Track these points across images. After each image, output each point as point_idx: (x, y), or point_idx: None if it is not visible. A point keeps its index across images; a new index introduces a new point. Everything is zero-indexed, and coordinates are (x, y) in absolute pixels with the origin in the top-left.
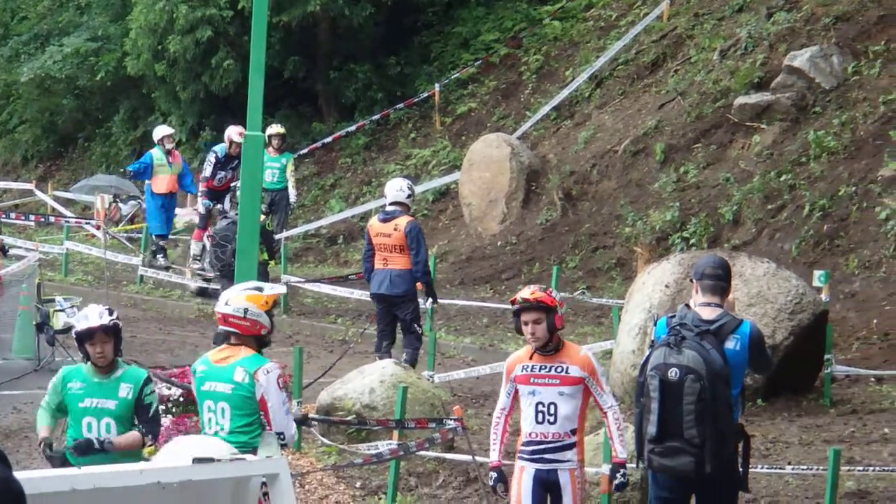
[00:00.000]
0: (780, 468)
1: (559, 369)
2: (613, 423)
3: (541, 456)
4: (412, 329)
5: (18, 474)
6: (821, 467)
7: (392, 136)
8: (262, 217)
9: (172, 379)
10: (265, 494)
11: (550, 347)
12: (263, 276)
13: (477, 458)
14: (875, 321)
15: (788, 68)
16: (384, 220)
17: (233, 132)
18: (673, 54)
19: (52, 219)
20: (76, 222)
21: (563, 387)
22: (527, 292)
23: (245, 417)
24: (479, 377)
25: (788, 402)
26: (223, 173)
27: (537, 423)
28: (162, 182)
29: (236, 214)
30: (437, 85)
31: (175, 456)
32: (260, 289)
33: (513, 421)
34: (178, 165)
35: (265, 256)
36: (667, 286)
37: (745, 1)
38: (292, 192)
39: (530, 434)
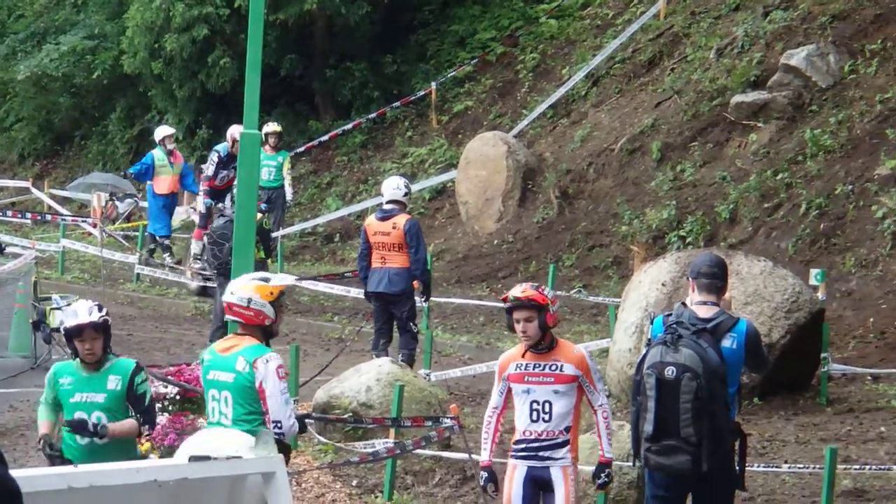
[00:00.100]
0: (776, 467)
1: (554, 367)
2: (603, 421)
3: (534, 454)
4: (408, 328)
5: (15, 472)
6: (817, 466)
7: (388, 134)
8: (259, 215)
9: (169, 377)
10: None
11: (543, 346)
12: None
13: (473, 456)
14: (871, 320)
15: (785, 67)
16: (382, 219)
17: (235, 131)
18: (669, 53)
19: (48, 217)
20: (73, 220)
21: (558, 385)
22: (518, 290)
23: (247, 406)
24: (475, 375)
25: (785, 401)
26: (225, 172)
27: (532, 421)
28: (164, 182)
29: (233, 212)
30: (433, 83)
31: (198, 448)
32: (266, 279)
33: (507, 420)
34: (179, 165)
35: (262, 254)
36: (663, 284)
37: None
38: (289, 191)
39: (524, 432)
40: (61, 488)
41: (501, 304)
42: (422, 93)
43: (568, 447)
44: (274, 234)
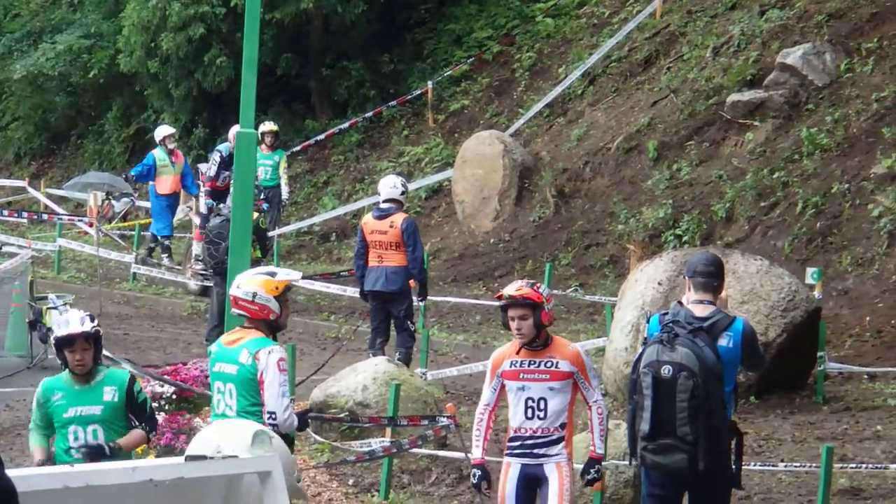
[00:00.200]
0: (772, 465)
1: (549, 364)
2: (596, 417)
3: (529, 451)
4: (405, 326)
5: (11, 472)
6: (814, 464)
7: (385, 133)
8: (256, 214)
9: (165, 377)
10: None
11: (538, 343)
12: None
13: (470, 455)
14: (868, 318)
15: (781, 66)
16: (379, 218)
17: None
18: (666, 52)
19: (44, 216)
20: (69, 220)
21: (553, 382)
22: (513, 288)
23: (250, 398)
24: (471, 374)
25: (781, 400)
26: (227, 173)
27: (526, 418)
28: (166, 182)
29: (229, 212)
30: (429, 82)
31: (201, 444)
32: (272, 274)
33: (499, 418)
34: (180, 165)
35: (258, 253)
36: (659, 283)
37: None
38: (284, 189)
39: (518, 429)
40: (57, 488)
41: (497, 303)
42: (418, 92)
43: (563, 444)
44: (270, 234)
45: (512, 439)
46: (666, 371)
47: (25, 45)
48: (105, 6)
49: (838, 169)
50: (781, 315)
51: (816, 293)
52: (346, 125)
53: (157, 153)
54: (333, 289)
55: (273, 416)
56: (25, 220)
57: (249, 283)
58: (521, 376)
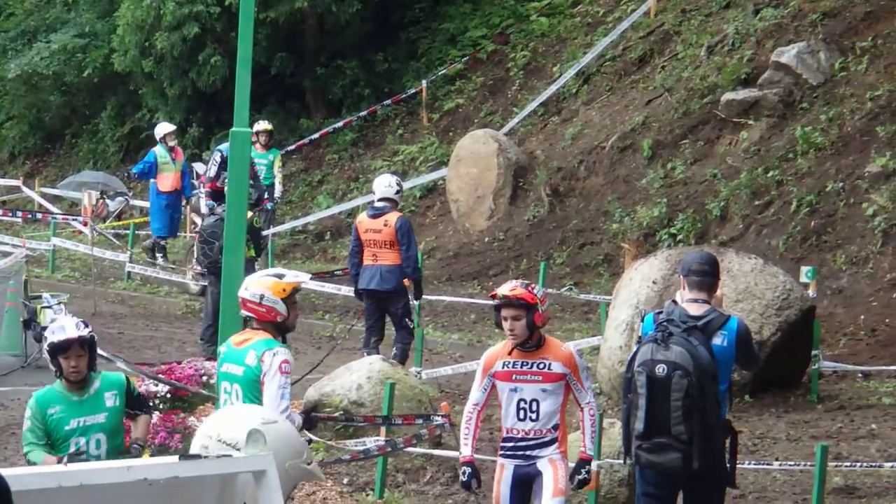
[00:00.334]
0: (767, 464)
1: (541, 365)
2: (588, 419)
3: (522, 453)
4: (404, 324)
5: (4, 471)
6: (808, 463)
7: (379, 132)
8: (249, 213)
9: (160, 376)
10: None
11: (531, 344)
12: (251, 272)
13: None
14: (862, 317)
15: (775, 64)
16: (373, 216)
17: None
18: (660, 50)
19: (39, 215)
20: (63, 219)
21: (546, 383)
22: (506, 288)
23: (256, 399)
24: (466, 373)
25: (776, 398)
26: (227, 173)
27: (519, 419)
28: (167, 180)
29: (223, 211)
30: (424, 81)
31: (204, 432)
32: (280, 276)
33: (496, 417)
34: (180, 162)
35: (252, 252)
36: (654, 282)
37: None
38: (278, 188)
39: (511, 430)
40: (51, 487)
41: (492, 302)
42: (413, 91)
43: (555, 445)
44: (265, 233)
45: (505, 440)
46: (660, 370)
47: (20, 44)
48: (99, 5)
49: (833, 168)
50: (776, 314)
51: (811, 292)
52: (340, 124)
53: (158, 150)
54: (328, 288)
55: None
56: (20, 220)
57: (257, 285)
58: (513, 377)
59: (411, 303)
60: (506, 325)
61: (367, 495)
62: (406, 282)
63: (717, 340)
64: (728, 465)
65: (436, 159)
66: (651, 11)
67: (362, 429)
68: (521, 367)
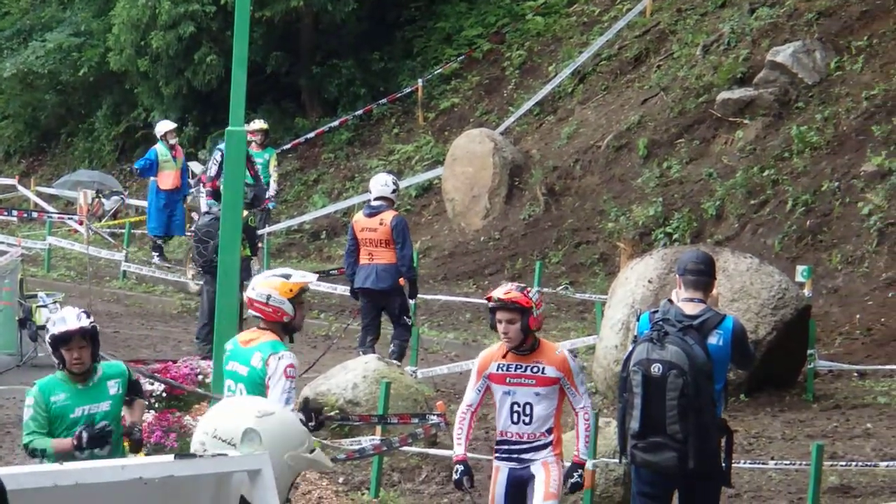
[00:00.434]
0: (762, 463)
1: (535, 369)
2: (582, 423)
3: (516, 456)
4: (402, 321)
5: (0, 470)
6: (804, 462)
7: (375, 131)
8: (245, 212)
9: (155, 374)
10: None
11: (525, 347)
12: (246, 271)
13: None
14: (858, 316)
15: (771, 63)
16: (369, 215)
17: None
18: (656, 50)
19: (34, 214)
20: (59, 218)
21: (539, 387)
22: (501, 291)
23: None
24: (461, 372)
25: (771, 398)
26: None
27: (512, 423)
28: (168, 178)
29: (218, 210)
30: (419, 80)
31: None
32: (287, 276)
33: (491, 416)
34: (181, 160)
35: (247, 251)
36: (650, 281)
37: None
38: (273, 187)
39: (504, 433)
40: (47, 486)
41: (487, 302)
42: (408, 90)
43: (549, 448)
44: (260, 232)
45: (499, 443)
46: (656, 369)
47: (15, 43)
48: (95, 4)
49: (828, 167)
50: (771, 313)
51: (806, 291)
52: (336, 123)
53: (159, 148)
54: (323, 287)
55: None
56: (15, 219)
57: (264, 286)
58: (507, 380)
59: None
60: (500, 327)
61: (363, 494)
62: (401, 281)
63: (713, 340)
64: (723, 465)
65: (431, 158)
66: (647, 11)
67: (358, 428)
68: (515, 371)
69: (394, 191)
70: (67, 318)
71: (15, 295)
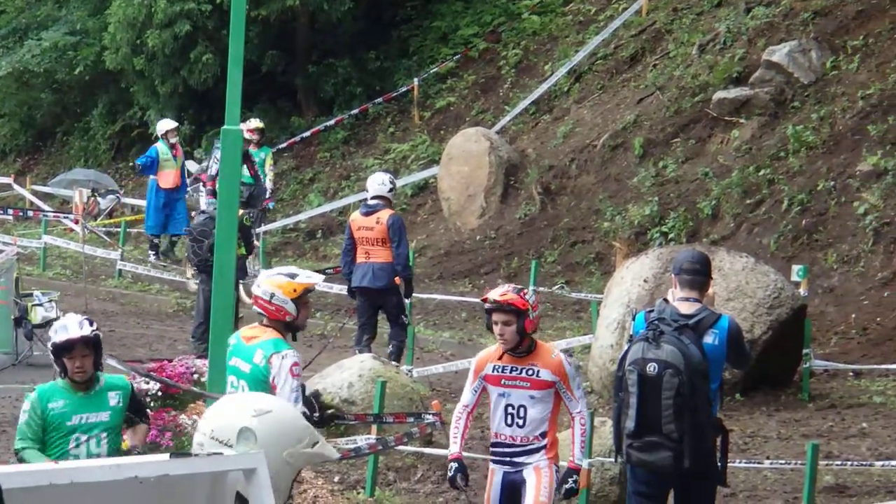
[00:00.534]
0: (758, 462)
1: (530, 372)
2: (578, 428)
3: (509, 459)
4: (399, 320)
5: None
6: (799, 462)
7: (371, 130)
8: (241, 211)
9: (151, 373)
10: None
11: (522, 349)
12: (241, 270)
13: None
14: (853, 316)
15: (767, 63)
16: (366, 214)
17: (242, 128)
18: (652, 49)
19: (30, 213)
20: (54, 216)
21: (534, 390)
22: (497, 293)
23: None
24: (457, 371)
25: (767, 397)
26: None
27: (506, 425)
28: (168, 176)
29: (214, 209)
30: (415, 79)
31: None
32: (293, 276)
33: (486, 415)
34: (181, 159)
35: (242, 250)
36: (645, 281)
37: None
38: (268, 185)
39: (499, 435)
40: (42, 485)
41: (483, 303)
42: (404, 89)
43: (542, 452)
44: (260, 229)
45: (493, 444)
46: (651, 368)
47: (11, 41)
48: (91, 3)
49: (824, 166)
50: (767, 312)
51: (802, 290)
52: (332, 122)
53: (160, 147)
54: (319, 286)
55: None
56: (11, 217)
57: (268, 284)
58: (502, 382)
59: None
60: (496, 329)
61: (358, 493)
62: (397, 280)
63: (709, 339)
64: (719, 464)
65: (427, 157)
66: (643, 10)
67: (353, 427)
68: (511, 373)
69: (391, 190)
70: (69, 327)
71: (10, 294)
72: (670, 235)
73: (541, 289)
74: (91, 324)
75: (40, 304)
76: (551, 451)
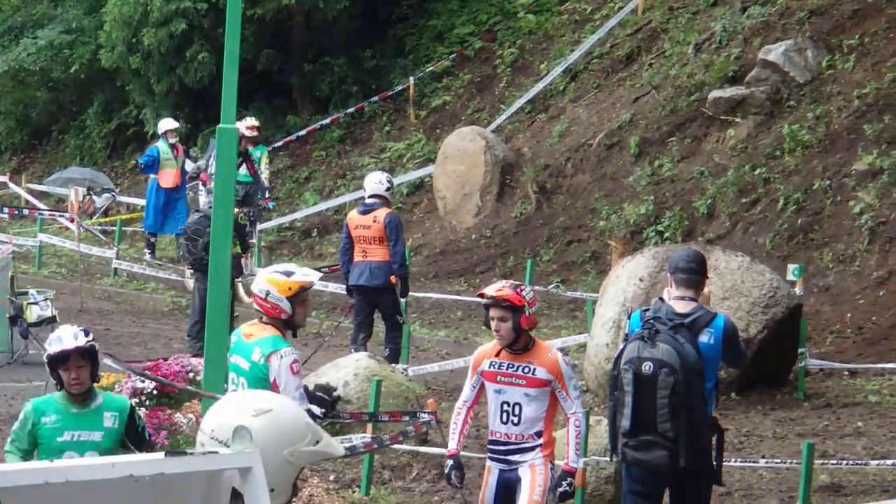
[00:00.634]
0: (753, 462)
1: (526, 370)
2: (573, 429)
3: (504, 457)
4: (394, 320)
5: None
6: (794, 461)
7: (366, 129)
8: (236, 210)
9: (146, 372)
10: None
11: (518, 346)
12: (236, 268)
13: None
14: (849, 315)
15: (763, 62)
16: (363, 213)
17: (241, 126)
18: (647, 48)
19: (25, 211)
20: (50, 215)
21: (529, 388)
22: (493, 288)
23: None
24: (453, 370)
25: (762, 396)
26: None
27: (501, 422)
28: (169, 176)
29: (209, 207)
30: (411, 78)
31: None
32: (289, 273)
33: (482, 414)
34: (181, 159)
35: (238, 249)
36: (641, 280)
37: None
38: (264, 184)
39: (495, 433)
40: (38, 483)
41: (479, 300)
42: (400, 87)
43: (537, 451)
44: (259, 227)
45: (490, 442)
46: (647, 367)
47: (7, 40)
48: (86, 1)
49: (820, 165)
50: (762, 311)
51: (797, 290)
52: (327, 121)
53: (161, 146)
54: (315, 284)
55: None
56: (6, 216)
57: (264, 281)
58: (498, 379)
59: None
60: (492, 325)
61: (354, 492)
62: (392, 279)
63: (704, 338)
64: (714, 463)
65: (423, 156)
66: (639, 9)
67: (349, 425)
68: (507, 370)
69: (388, 189)
70: (64, 338)
71: (6, 292)
72: (666, 234)
73: (536, 287)
74: (87, 334)
75: (36, 303)
76: (547, 450)
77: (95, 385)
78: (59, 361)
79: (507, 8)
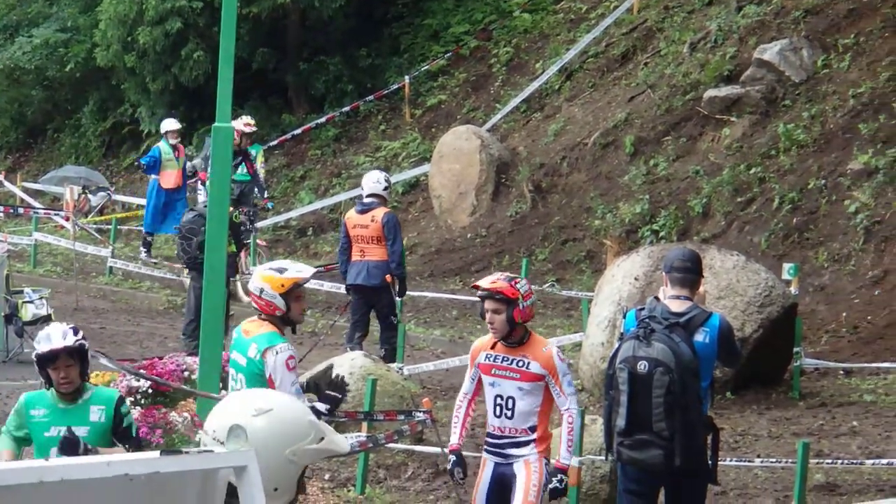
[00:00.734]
0: (749, 461)
1: (520, 363)
2: (566, 426)
3: (500, 451)
4: (389, 320)
5: None
6: (790, 460)
7: (362, 128)
8: (231, 209)
9: (141, 371)
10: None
11: (514, 340)
12: (231, 267)
13: (445, 449)
14: (844, 314)
15: (758, 61)
16: (361, 212)
17: (238, 124)
18: (643, 47)
19: (20, 210)
20: (45, 213)
21: (523, 382)
22: (487, 280)
23: None
24: (448, 369)
25: (758, 395)
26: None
27: (495, 416)
28: (170, 176)
29: (204, 206)
30: (406, 77)
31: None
32: (282, 270)
33: (479, 413)
34: (182, 160)
35: (233, 248)
36: (636, 279)
37: None
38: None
39: (491, 426)
40: (33, 482)
41: (475, 299)
42: (395, 86)
43: (531, 446)
44: (259, 225)
45: (488, 435)
46: (642, 367)
47: (2, 38)
48: (82, 0)
49: (815, 165)
50: (758, 310)
51: (793, 289)
52: (323, 120)
53: (162, 146)
54: (310, 283)
55: None
56: (1, 214)
57: (258, 278)
58: (492, 371)
59: (396, 298)
60: (487, 317)
61: (349, 491)
62: (388, 278)
63: (699, 337)
64: (710, 462)
65: (418, 155)
66: (634, 8)
67: (344, 424)
68: (501, 362)
69: (386, 188)
70: (53, 337)
71: (1, 291)
72: (661, 233)
73: (532, 286)
74: (76, 333)
75: (31, 301)
76: (541, 445)
77: (89, 381)
78: (47, 360)
79: (503, 7)
